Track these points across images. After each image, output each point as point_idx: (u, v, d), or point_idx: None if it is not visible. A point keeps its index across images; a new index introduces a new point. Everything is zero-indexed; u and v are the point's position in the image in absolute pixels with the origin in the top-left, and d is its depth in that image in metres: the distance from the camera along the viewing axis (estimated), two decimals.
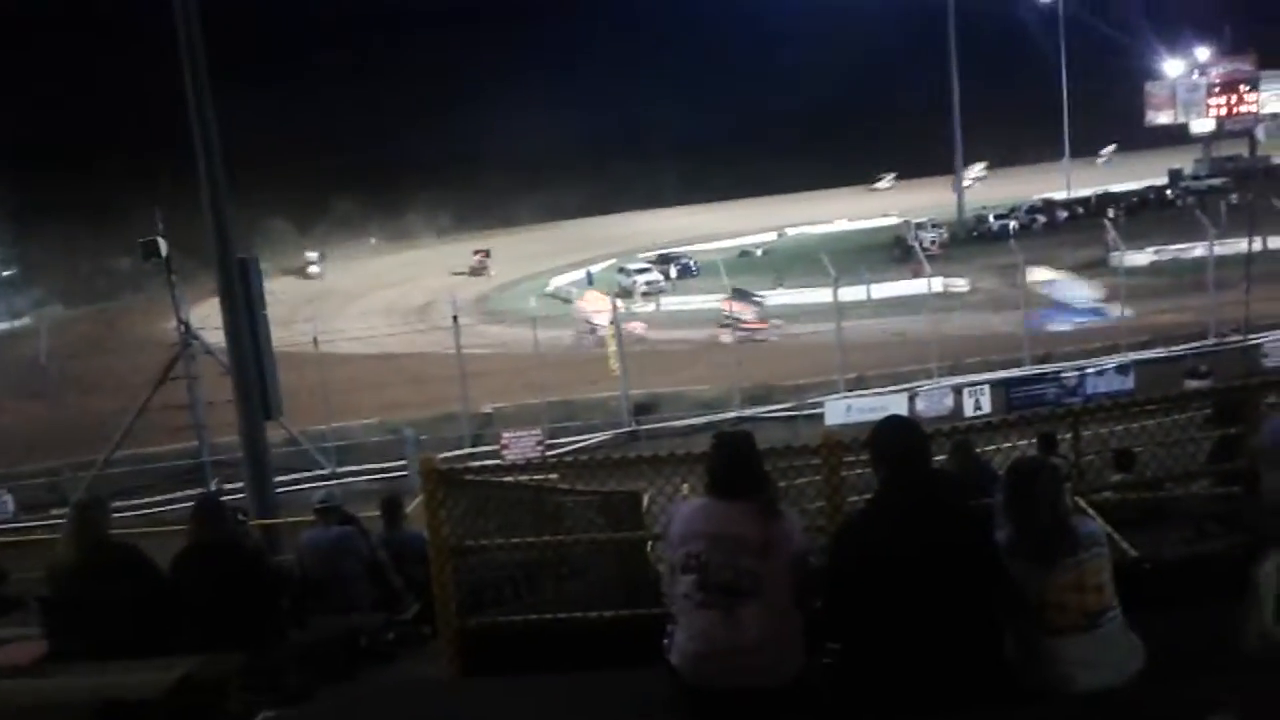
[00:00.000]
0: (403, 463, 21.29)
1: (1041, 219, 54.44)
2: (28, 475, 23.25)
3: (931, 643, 3.22)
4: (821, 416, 23.15)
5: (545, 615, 5.01)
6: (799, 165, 76.39)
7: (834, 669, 3.61)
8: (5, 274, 65.04)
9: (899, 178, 78.79)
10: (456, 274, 56.94)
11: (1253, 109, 58.60)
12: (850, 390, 24.64)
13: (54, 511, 18.73)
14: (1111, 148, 72.26)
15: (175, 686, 3.95)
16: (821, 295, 29.85)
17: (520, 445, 23.10)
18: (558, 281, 53.45)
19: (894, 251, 47.63)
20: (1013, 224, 53.20)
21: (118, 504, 14.30)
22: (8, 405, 27.45)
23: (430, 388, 26.05)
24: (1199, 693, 2.87)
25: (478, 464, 14.67)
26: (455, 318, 25.42)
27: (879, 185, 79.16)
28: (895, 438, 3.65)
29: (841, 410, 23.27)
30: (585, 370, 26.48)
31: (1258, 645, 2.85)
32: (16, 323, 55.68)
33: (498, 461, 17.88)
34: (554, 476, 6.98)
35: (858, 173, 78.18)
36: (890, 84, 79.25)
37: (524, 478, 6.66)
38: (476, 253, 62.26)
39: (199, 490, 19.51)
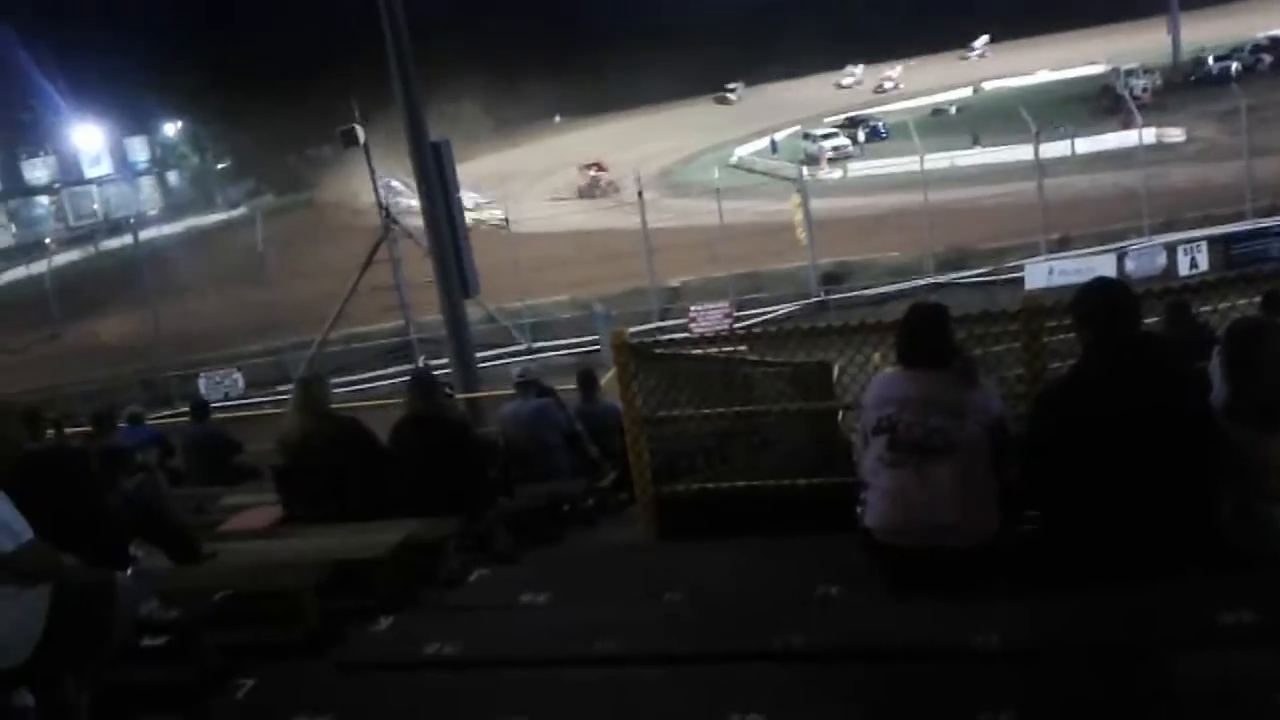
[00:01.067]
0: (594, 337, 21.82)
1: (1268, 59, 49.11)
2: (253, 355, 25.17)
3: (1137, 507, 3.13)
4: (1021, 281, 22.21)
5: (738, 483, 5.11)
6: (987, 13, 71.25)
7: (1033, 536, 3.57)
8: (220, 166, 69.26)
9: (1103, 22, 72.07)
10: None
11: None
12: (1053, 252, 23.50)
13: (279, 388, 20.26)
14: None
15: (398, 548, 4.27)
16: (1022, 153, 28.25)
17: (709, 318, 23.28)
18: (741, 152, 52.32)
19: (1101, 102, 44.37)
20: (1235, 65, 48.27)
21: (335, 380, 15.25)
22: (232, 292, 29.47)
23: (618, 264, 26.37)
24: None
25: (666, 338, 14.89)
26: (640, 193, 25.48)
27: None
28: (1101, 299, 3.51)
29: (1043, 273, 22.26)
30: (771, 241, 26.12)
31: None
32: (233, 212, 59.39)
33: (686, 334, 18.09)
34: (743, 348, 7.00)
35: (1058, 17, 72.24)
36: None
37: (713, 350, 6.70)
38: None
39: (408, 366, 20.67)
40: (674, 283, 25.87)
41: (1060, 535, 3.36)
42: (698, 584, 3.99)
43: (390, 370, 21.86)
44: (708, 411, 5.68)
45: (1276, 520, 3.15)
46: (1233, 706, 2.19)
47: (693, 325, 22.86)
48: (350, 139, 22.27)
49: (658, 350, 5.74)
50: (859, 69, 73.68)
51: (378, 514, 4.94)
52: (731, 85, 74.67)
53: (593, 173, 48.70)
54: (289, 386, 6.85)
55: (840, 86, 71.94)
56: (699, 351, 6.64)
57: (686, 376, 5.68)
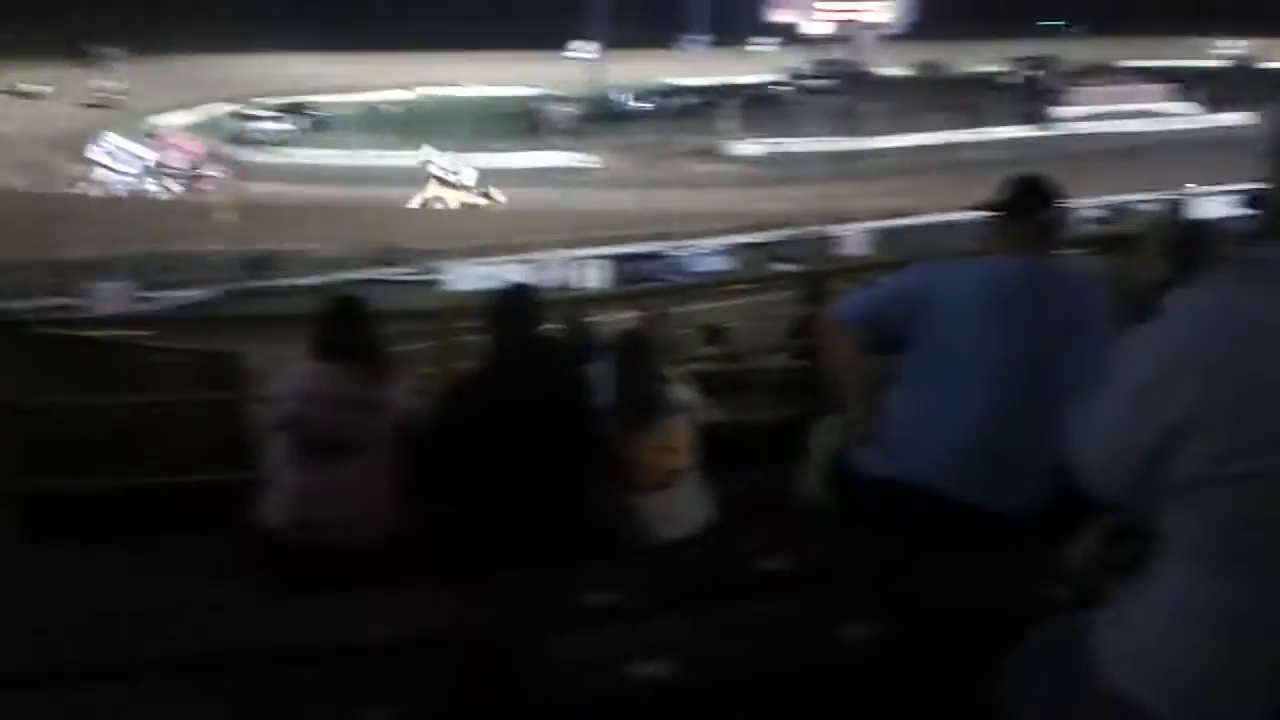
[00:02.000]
0: None
1: (676, 101, 56.42)
2: None
3: (523, 499, 3.35)
4: (442, 282, 23.10)
5: (122, 480, 4.65)
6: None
7: (433, 529, 3.67)
8: None
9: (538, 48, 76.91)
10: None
11: (861, 16, 63.46)
12: (473, 258, 24.70)
13: None
14: (774, 42, 74.16)
15: None
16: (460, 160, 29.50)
17: (108, 297, 21.11)
18: (159, 121, 47.98)
19: (528, 122, 47.74)
20: (643, 105, 54.88)
21: None
22: None
23: (7, 231, 23.03)
24: (757, 541, 3.21)
25: (55, 317, 13.24)
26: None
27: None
28: (508, 303, 3.74)
29: (462, 276, 23.30)
30: (193, 221, 24.51)
31: (808, 503, 3.21)
32: None
33: (82, 315, 16.27)
34: (147, 333, 6.43)
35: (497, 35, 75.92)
36: None
37: (112, 333, 6.09)
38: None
39: None
40: (73, 256, 23.15)
41: (457, 527, 3.49)
42: (66, 591, 3.55)
43: None
44: (94, 402, 5.11)
45: (640, 510, 3.56)
46: (596, 676, 2.40)
47: (90, 304, 20.62)
48: None
49: (37, 330, 5.06)
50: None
51: None
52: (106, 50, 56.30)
53: None
54: None
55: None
56: (93, 334, 5.98)
57: (68, 360, 5.07)
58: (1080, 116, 42.48)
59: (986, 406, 2.79)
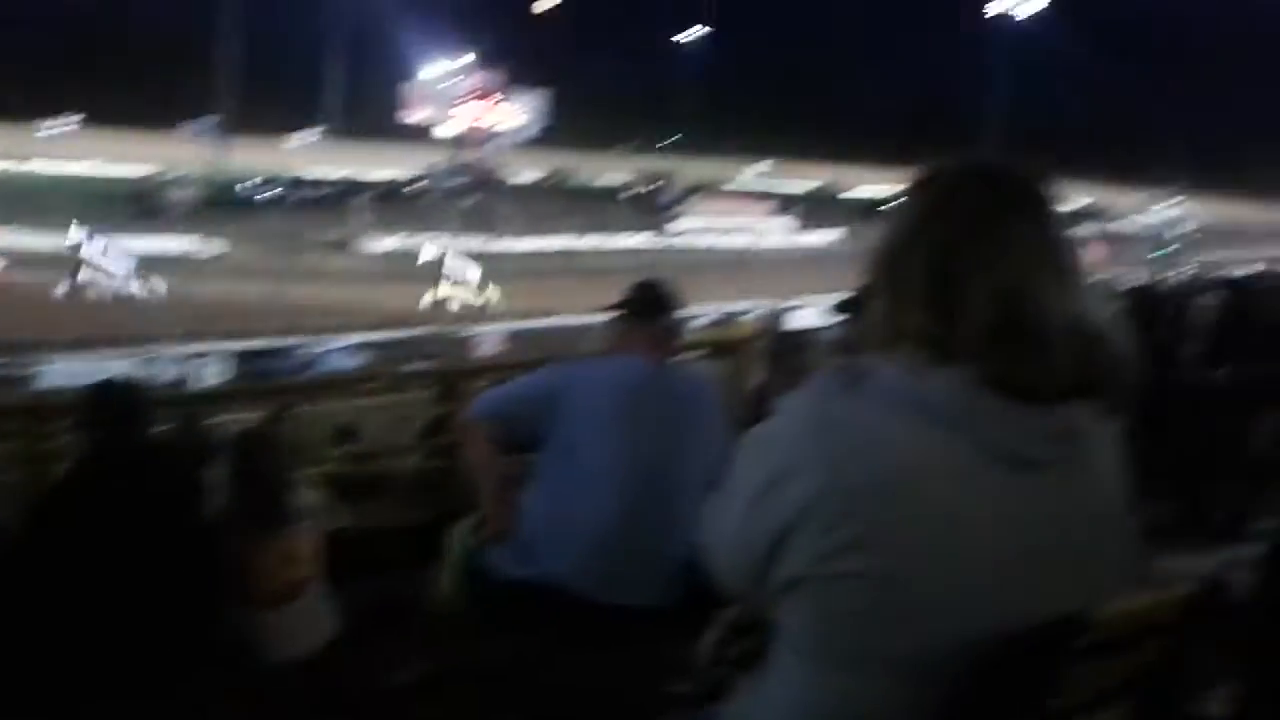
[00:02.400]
0: None
1: (307, 191, 54.71)
2: None
3: (130, 621, 3.02)
4: (34, 377, 20.69)
5: None
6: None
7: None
8: None
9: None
10: None
11: (495, 121, 65.24)
12: (72, 351, 22.37)
13: None
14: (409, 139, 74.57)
15: None
16: (44, 242, 26.75)
17: None
18: None
19: (143, 204, 44.16)
20: (270, 193, 52.80)
21: None
22: None
23: None
24: (386, 652, 3.08)
25: None
26: None
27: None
28: (109, 400, 3.42)
29: (59, 371, 20.99)
30: None
31: (442, 608, 3.13)
32: None
33: None
34: None
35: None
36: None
37: None
38: None
39: None
40: None
41: (53, 658, 3.06)
42: None
43: None
44: None
45: (263, 626, 3.31)
46: None
47: None
48: None
49: None
50: None
51: None
52: None
53: None
54: None
55: None
56: None
57: None
58: (695, 230, 46.02)
59: (616, 504, 2.87)
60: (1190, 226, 45.12)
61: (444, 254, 30.82)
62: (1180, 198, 58.37)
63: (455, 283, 30.68)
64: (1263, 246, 44.77)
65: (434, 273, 30.38)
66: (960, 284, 1.27)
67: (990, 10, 60.50)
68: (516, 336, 23.64)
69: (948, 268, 1.28)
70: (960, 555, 1.24)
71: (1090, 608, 1.26)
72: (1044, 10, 63.00)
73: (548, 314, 26.17)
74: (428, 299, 29.77)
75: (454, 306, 29.14)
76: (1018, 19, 59.53)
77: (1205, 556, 2.56)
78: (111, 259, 30.00)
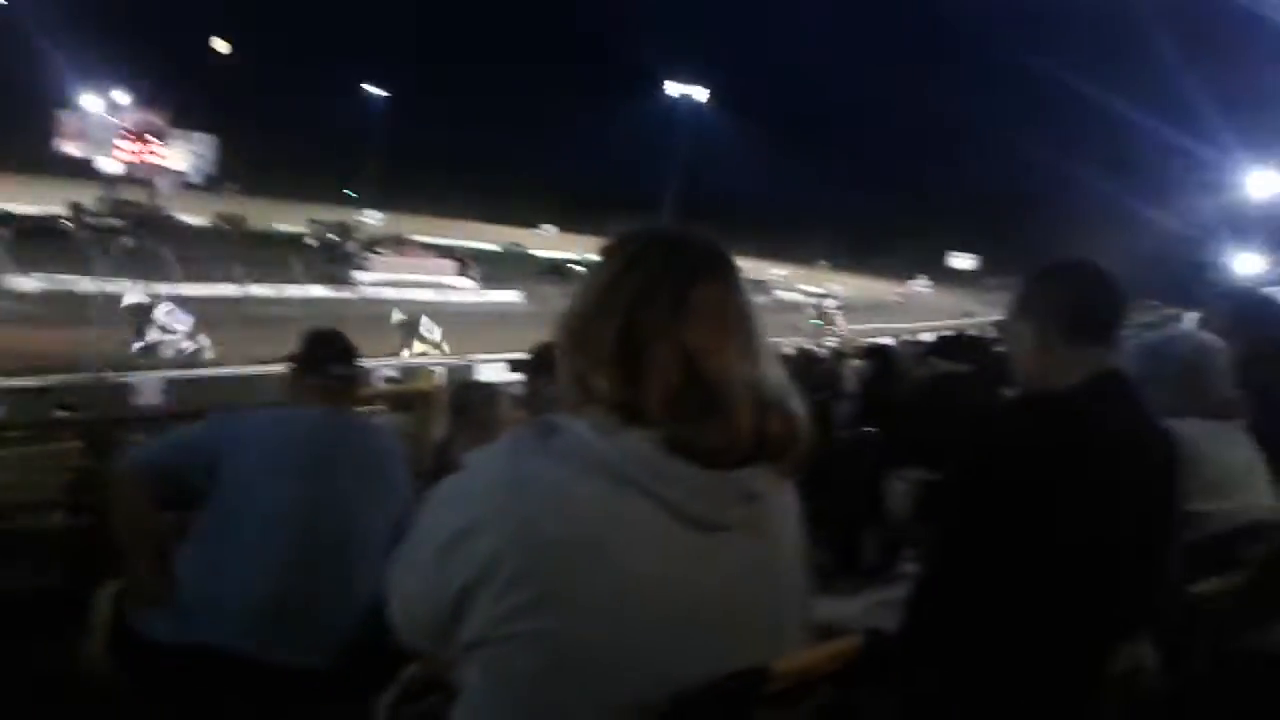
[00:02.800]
0: None
1: None
2: None
3: None
4: None
5: None
6: None
7: None
8: None
9: None
10: None
11: (160, 161, 61.25)
12: None
13: None
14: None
15: None
16: None
17: None
18: None
19: None
20: None
21: None
22: None
23: None
24: None
25: None
26: None
27: None
28: None
29: None
30: None
31: (86, 674, 2.86)
32: None
33: None
34: None
35: None
36: None
37: None
38: None
39: None
40: None
41: None
42: None
43: None
44: None
45: None
46: None
47: None
48: None
49: None
50: None
51: None
52: None
53: None
54: None
55: None
56: None
57: None
58: (377, 282, 45.09)
59: (284, 561, 2.74)
60: (839, 299, 49.59)
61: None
62: (828, 274, 64.27)
63: (428, 340, 28.65)
64: (897, 318, 50.00)
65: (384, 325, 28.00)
66: (646, 347, 1.31)
67: (671, 91, 64.24)
68: (179, 385, 22.03)
69: (634, 331, 1.32)
70: (641, 616, 1.27)
71: (769, 661, 1.33)
72: (721, 93, 67.45)
73: (218, 363, 24.71)
74: (405, 355, 27.50)
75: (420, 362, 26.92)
76: (696, 100, 63.60)
77: (857, 598, 2.81)
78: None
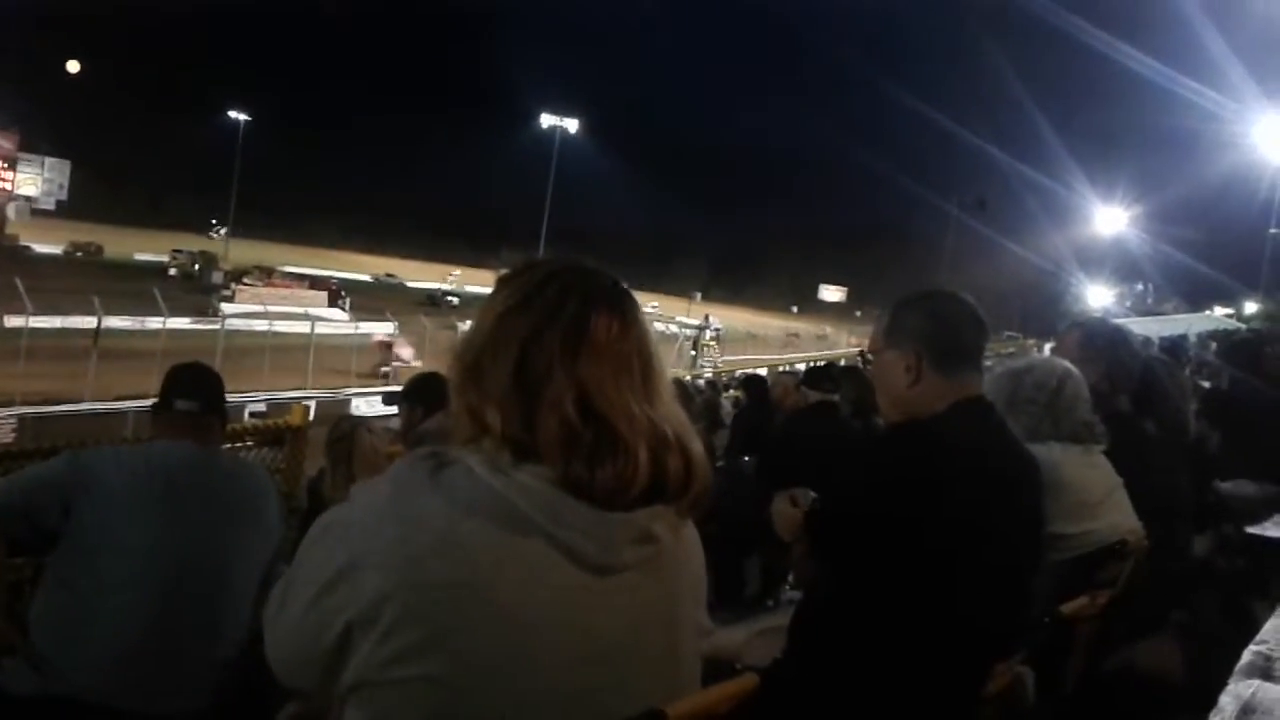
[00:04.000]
0: None
1: None
2: None
3: None
4: None
5: None
6: None
7: None
8: None
9: None
10: None
11: (7, 186, 58.81)
12: None
13: None
14: None
15: None
16: None
17: None
18: None
19: None
20: None
21: None
22: None
23: None
24: None
25: None
26: None
27: None
28: None
29: None
30: None
31: None
32: None
33: None
34: None
35: None
36: None
37: None
38: None
39: None
40: None
41: None
42: None
43: None
44: None
45: None
46: None
47: None
48: None
49: None
50: None
51: None
52: None
53: None
54: None
55: None
56: None
57: None
58: (244, 314, 43.79)
59: (147, 603, 2.60)
60: (714, 330, 50.29)
61: None
62: (701, 304, 65.16)
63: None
64: (771, 349, 50.98)
65: None
66: (541, 383, 1.27)
67: (544, 122, 64.46)
68: (33, 420, 20.89)
69: (530, 366, 1.28)
70: (532, 661, 1.23)
71: (664, 704, 1.29)
72: (592, 125, 68.03)
73: (69, 399, 23.54)
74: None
75: None
76: (567, 130, 63.94)
77: (740, 626, 2.81)
78: None
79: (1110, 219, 38.78)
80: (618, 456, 1.25)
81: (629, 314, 1.36)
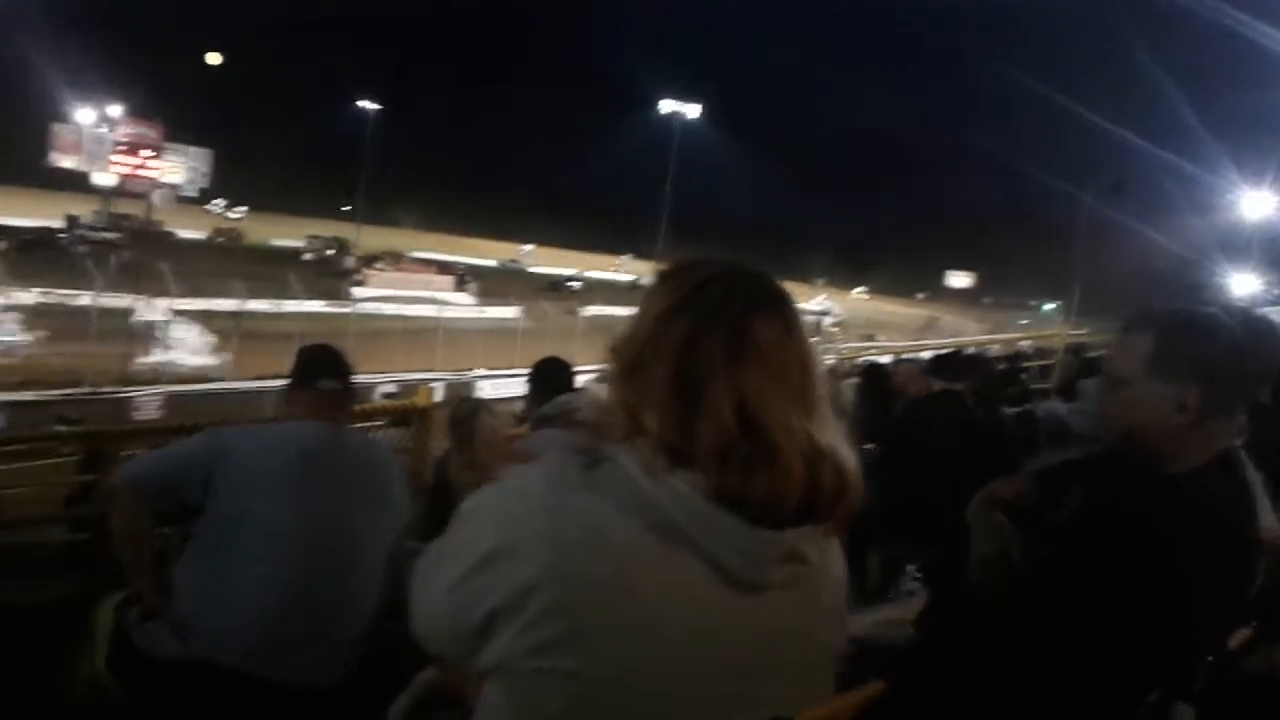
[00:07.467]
0: None
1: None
2: None
3: None
4: None
5: None
6: None
7: None
8: None
9: None
10: None
11: (154, 174, 61.28)
12: None
13: None
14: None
15: None
16: None
17: None
18: None
19: None
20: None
21: None
22: None
23: None
24: None
25: None
26: None
27: None
28: None
29: None
30: None
31: (85, 689, 2.85)
32: None
33: None
34: None
35: None
36: None
37: None
38: None
39: None
40: None
41: None
42: None
43: None
44: None
45: None
46: None
47: None
48: None
49: None
50: None
51: None
52: None
53: None
54: None
55: None
56: None
57: None
58: (375, 297, 45.09)
59: (282, 575, 2.70)
60: (837, 317, 49.57)
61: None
62: (826, 292, 64.22)
63: None
64: (894, 337, 49.99)
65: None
66: (701, 388, 1.24)
67: (664, 109, 64.30)
68: (177, 399, 21.98)
69: (689, 369, 1.25)
70: (665, 665, 1.23)
71: (792, 713, 1.28)
72: (715, 111, 67.49)
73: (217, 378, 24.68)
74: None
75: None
76: (687, 117, 63.68)
77: (864, 614, 2.77)
78: None
79: (1258, 203, 36.71)
80: (774, 469, 1.22)
81: (791, 321, 1.31)
